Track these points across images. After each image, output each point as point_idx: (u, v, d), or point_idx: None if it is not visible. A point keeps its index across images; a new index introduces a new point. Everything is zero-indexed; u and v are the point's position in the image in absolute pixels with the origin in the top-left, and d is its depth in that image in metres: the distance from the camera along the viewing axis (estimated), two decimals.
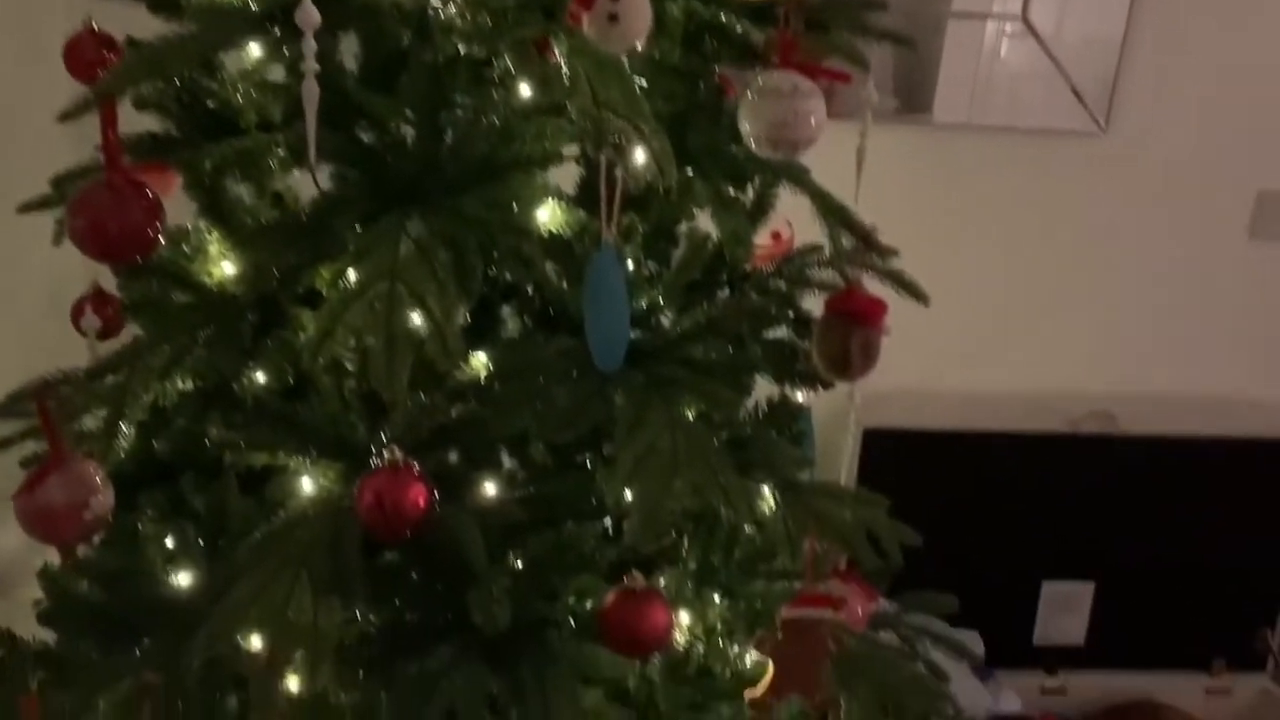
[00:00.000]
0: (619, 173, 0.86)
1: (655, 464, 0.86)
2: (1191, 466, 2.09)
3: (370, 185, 0.88)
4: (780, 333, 1.19)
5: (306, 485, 0.95)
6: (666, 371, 0.94)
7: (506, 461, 1.06)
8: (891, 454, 2.02)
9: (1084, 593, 2.16)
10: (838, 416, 2.14)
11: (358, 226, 0.86)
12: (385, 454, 0.81)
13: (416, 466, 0.81)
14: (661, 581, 1.03)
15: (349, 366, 0.89)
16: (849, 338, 1.02)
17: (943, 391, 2.14)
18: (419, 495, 0.79)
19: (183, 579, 0.93)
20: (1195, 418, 2.11)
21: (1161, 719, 2.06)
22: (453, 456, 0.98)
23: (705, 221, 1.06)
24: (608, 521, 1.03)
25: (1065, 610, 2.16)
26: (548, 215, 0.96)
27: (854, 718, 1.15)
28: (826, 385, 1.20)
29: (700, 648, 1.08)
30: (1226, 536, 2.15)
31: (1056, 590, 2.15)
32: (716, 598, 1.09)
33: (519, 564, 0.96)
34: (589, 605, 0.93)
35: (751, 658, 1.04)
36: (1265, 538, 2.17)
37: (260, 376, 0.98)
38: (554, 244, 1.01)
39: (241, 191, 1.05)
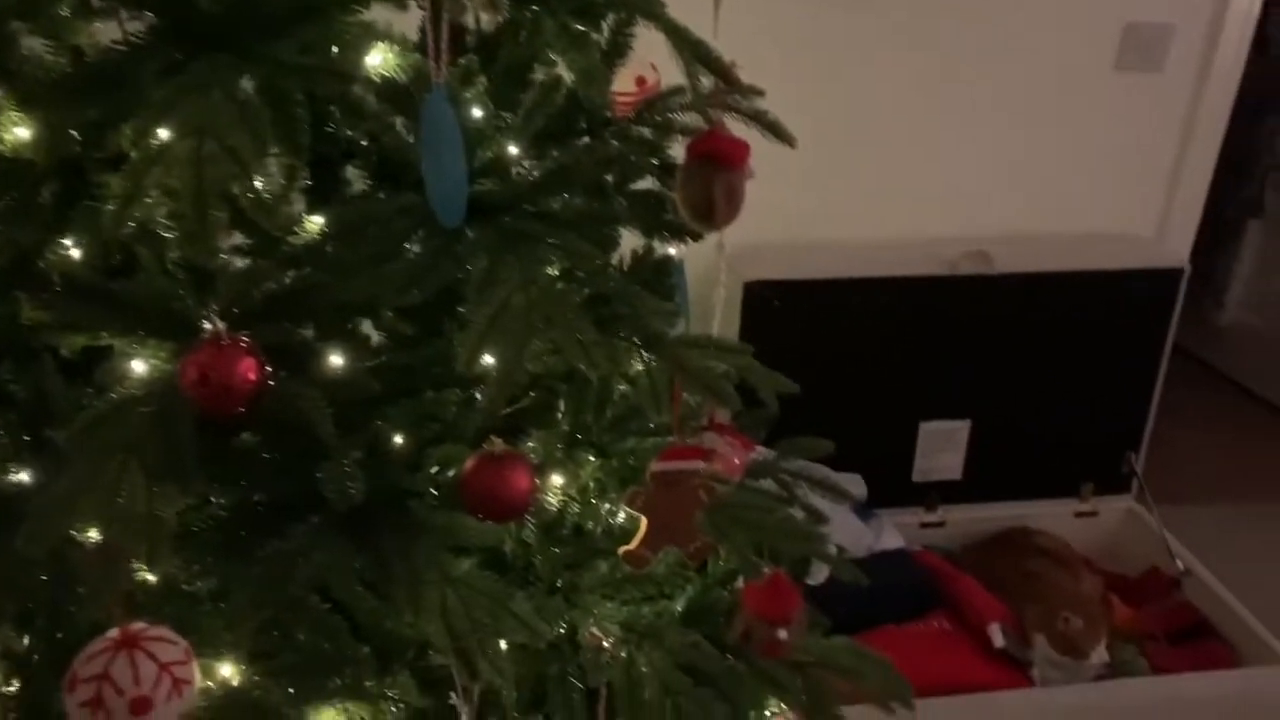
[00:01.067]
0: (450, 8, 0.79)
1: (509, 323, 0.82)
2: (1064, 301, 2.14)
3: (173, 30, 0.79)
4: (648, 184, 1.14)
5: (138, 367, 0.88)
6: (519, 225, 0.88)
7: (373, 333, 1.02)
8: (773, 305, 2.01)
9: (960, 430, 2.22)
10: (715, 269, 2.13)
11: (163, 78, 0.77)
12: (208, 326, 0.74)
13: (244, 338, 0.75)
14: (530, 444, 1.00)
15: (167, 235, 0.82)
16: (711, 183, 0.98)
17: (821, 241, 2.13)
18: (248, 369, 0.74)
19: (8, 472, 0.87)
20: (1068, 253, 2.15)
21: (1032, 542, 2.15)
22: (309, 330, 0.93)
23: None
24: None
25: (942, 448, 2.22)
26: (379, 59, 0.88)
27: (730, 564, 1.16)
28: (695, 236, 1.17)
29: (574, 508, 1.07)
30: (1094, 367, 2.23)
31: (934, 429, 2.21)
32: (590, 457, 1.07)
33: (376, 436, 0.92)
34: (453, 474, 0.90)
35: (624, 514, 1.03)
36: (1130, 365, 2.25)
37: (75, 252, 0.90)
38: (392, 92, 0.93)
39: (36, 46, 0.94)
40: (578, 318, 0.85)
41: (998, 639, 1.86)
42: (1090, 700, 1.80)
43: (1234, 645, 1.99)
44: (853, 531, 1.99)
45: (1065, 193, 2.22)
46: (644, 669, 1.03)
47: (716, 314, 1.35)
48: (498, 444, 0.84)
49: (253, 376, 0.74)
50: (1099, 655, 1.83)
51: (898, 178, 2.15)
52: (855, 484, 2.12)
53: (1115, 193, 2.25)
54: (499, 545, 1.08)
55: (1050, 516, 2.29)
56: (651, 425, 1.09)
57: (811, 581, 1.74)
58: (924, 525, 2.25)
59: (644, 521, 1.00)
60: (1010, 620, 1.92)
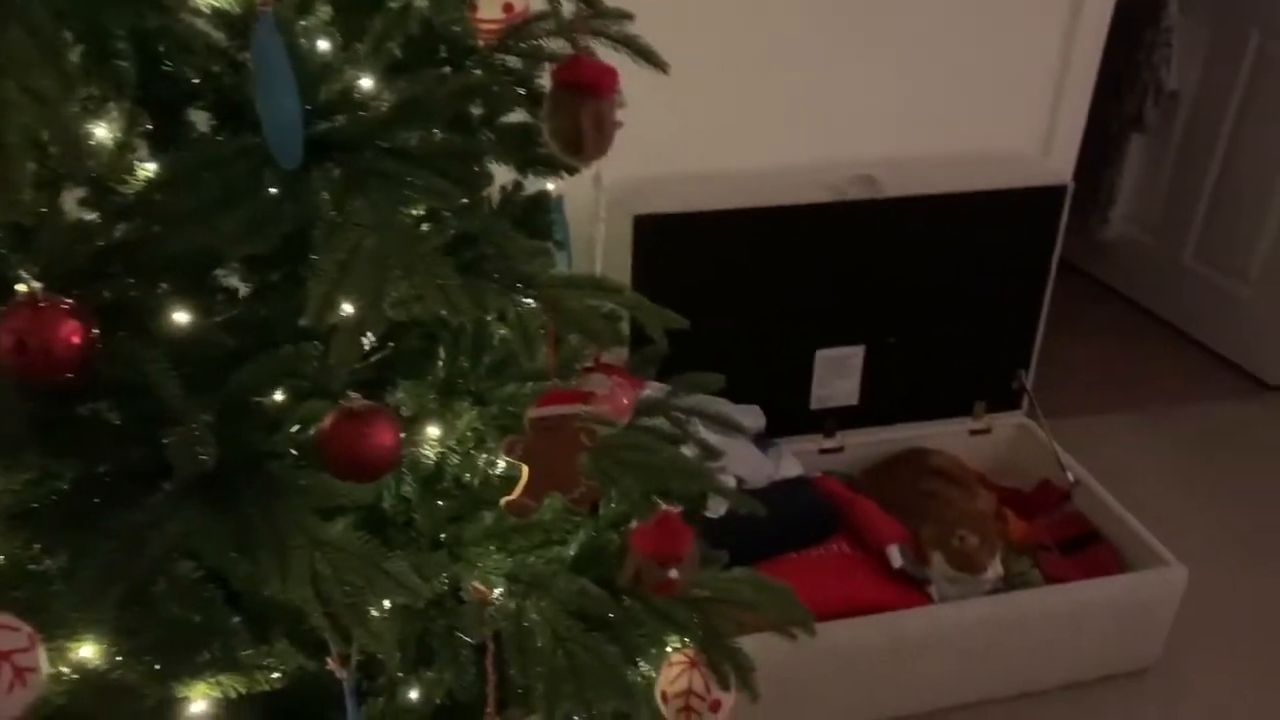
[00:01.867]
0: None
1: (361, 270, 0.77)
2: (951, 221, 2.14)
3: None
4: (520, 116, 1.09)
5: None
6: (372, 164, 0.83)
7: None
8: (664, 239, 1.98)
9: (855, 356, 2.23)
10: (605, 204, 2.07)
11: None
12: (23, 288, 0.68)
13: (66, 299, 0.69)
14: (399, 396, 0.96)
15: None
16: (579, 112, 0.93)
17: (708, 172, 2.10)
18: (71, 332, 0.68)
19: None
20: (953, 174, 2.15)
21: (927, 463, 2.19)
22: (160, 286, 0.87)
23: None
24: None
25: (838, 375, 2.23)
26: None
27: (621, 507, 1.14)
28: (571, 170, 1.12)
29: (454, 459, 1.03)
30: (982, 286, 2.25)
31: (829, 357, 2.21)
32: (468, 406, 1.03)
33: (231, 395, 0.86)
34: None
35: (504, 463, 0.99)
36: (1017, 283, 2.28)
37: None
38: (226, 24, 0.86)
39: None
40: (436, 261, 0.80)
41: (895, 560, 1.89)
42: (986, 613, 1.85)
43: (1122, 551, 2.05)
44: (753, 462, 1.99)
45: (949, 113, 2.22)
46: (533, 618, 1.00)
47: (598, 250, 1.32)
48: (356, 399, 0.79)
49: (76, 340, 0.68)
50: (994, 570, 1.87)
51: (781, 104, 2.12)
52: (754, 415, 2.12)
53: (998, 112, 2.26)
54: (378, 502, 1.04)
55: (945, 436, 2.32)
56: (529, 369, 1.05)
57: (711, 515, 1.73)
58: (823, 452, 2.27)
59: (524, 470, 0.97)
60: (908, 540, 1.95)
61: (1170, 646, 2.01)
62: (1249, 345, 3.11)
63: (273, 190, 0.79)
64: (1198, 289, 3.26)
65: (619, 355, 1.23)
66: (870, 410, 2.29)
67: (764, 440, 2.11)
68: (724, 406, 2.09)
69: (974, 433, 2.37)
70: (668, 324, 1.11)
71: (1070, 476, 2.18)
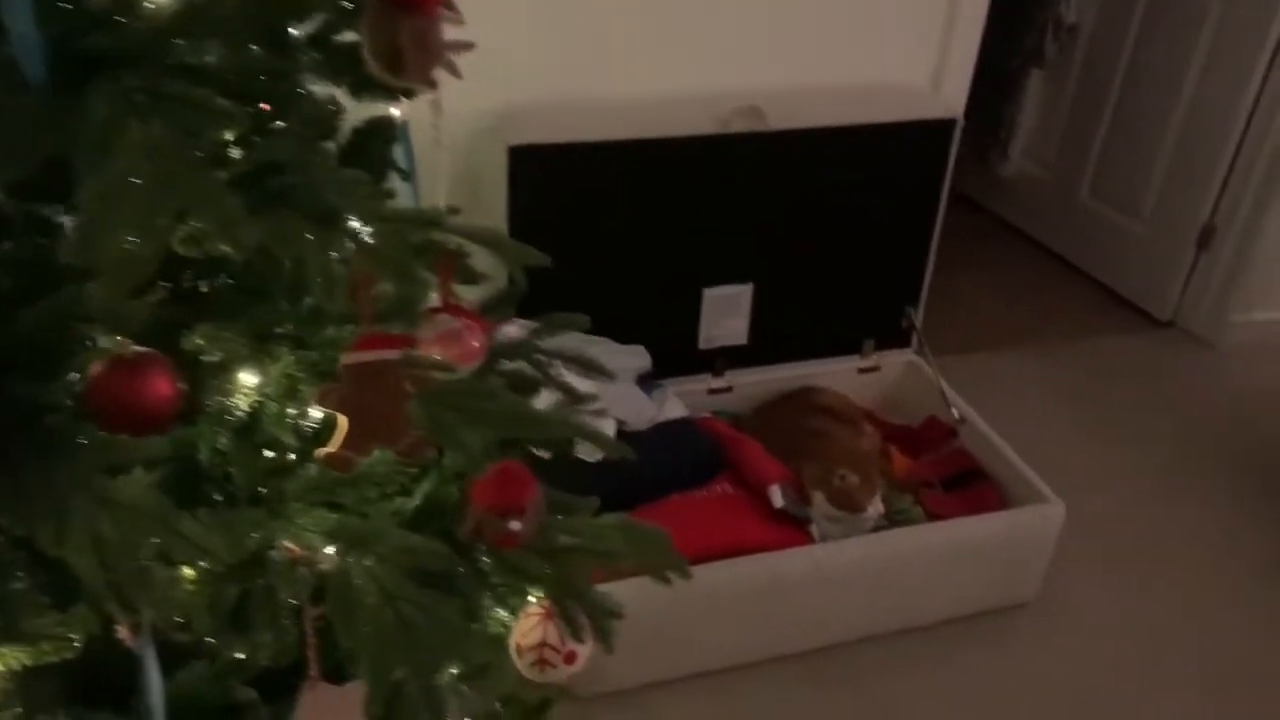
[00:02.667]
0: None
1: (128, 202, 0.68)
2: (839, 155, 2.10)
3: None
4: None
5: None
6: (149, 82, 0.74)
7: None
8: (541, 171, 1.90)
9: (743, 295, 2.19)
10: (480, 134, 1.98)
11: None
12: None
13: None
14: (198, 341, 0.88)
15: None
16: (397, 29, 0.85)
17: (587, 100, 2.01)
18: None
19: None
20: (841, 106, 2.10)
21: (812, 401, 2.17)
22: None
23: None
24: None
25: (727, 313, 2.19)
26: None
27: (461, 460, 1.07)
28: (405, 93, 1.04)
29: (271, 408, 0.95)
30: (871, 222, 2.22)
31: (717, 295, 2.17)
32: (285, 351, 0.95)
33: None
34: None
35: (320, 412, 0.92)
36: (907, 219, 2.26)
37: None
38: None
39: None
40: (219, 192, 0.72)
41: (776, 500, 1.87)
42: (866, 552, 1.84)
43: (1004, 488, 2.06)
44: (635, 405, 1.94)
45: (837, 44, 2.16)
46: (360, 576, 0.94)
47: (440, 182, 1.23)
48: (127, 345, 0.71)
49: None
50: (875, 508, 1.86)
51: (664, 32, 2.03)
52: (639, 355, 2.07)
53: (888, 43, 2.21)
54: (193, 455, 0.96)
55: (835, 374, 2.31)
56: (350, 311, 0.97)
57: (588, 459, 1.68)
58: (712, 391, 2.23)
59: (343, 420, 0.90)
60: (790, 480, 1.93)
61: (1049, 582, 2.04)
62: (1140, 281, 3.15)
63: (27, 109, 0.70)
64: (1092, 225, 3.29)
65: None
66: (760, 349, 2.25)
67: (649, 381, 2.06)
68: (608, 347, 2.04)
69: (863, 370, 2.35)
70: (527, 261, 1.04)
71: (955, 413, 2.18)
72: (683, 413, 2.03)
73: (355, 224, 0.85)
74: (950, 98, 2.27)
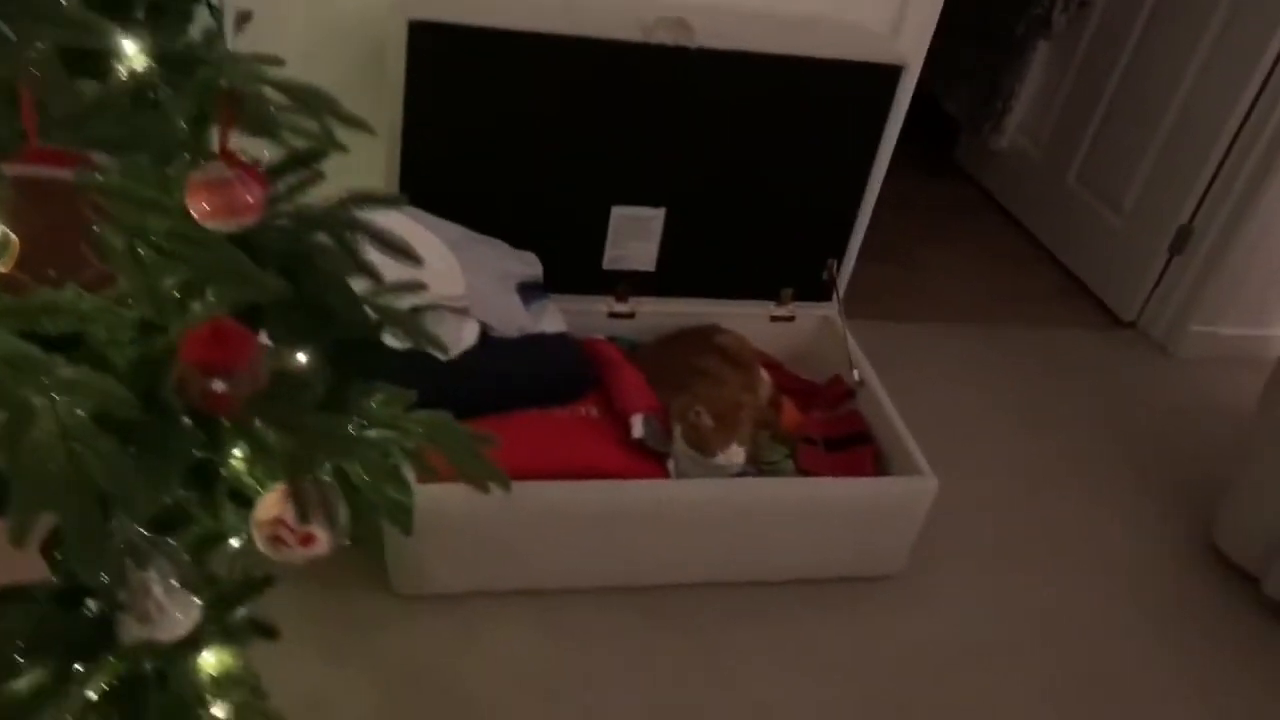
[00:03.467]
0: None
1: None
2: (770, 87, 1.99)
3: None
4: None
5: None
6: None
7: None
8: (443, 52, 1.81)
9: (654, 219, 2.10)
10: (388, 6, 1.88)
11: None
12: None
13: None
14: None
15: None
16: None
17: None
18: None
19: None
20: (780, 34, 1.99)
21: (711, 341, 2.09)
22: None
23: None
24: None
25: (635, 236, 2.11)
26: None
27: (151, 308, 1.01)
28: None
29: None
30: (802, 164, 2.12)
31: (626, 215, 2.08)
32: None
33: None
34: None
35: None
36: (842, 166, 2.15)
37: None
38: None
39: None
40: None
41: (636, 429, 1.81)
42: (715, 495, 1.78)
43: (887, 457, 1.99)
44: (507, 310, 1.87)
45: None
46: (36, 405, 0.89)
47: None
48: None
49: None
50: (728, 456, 1.78)
51: None
52: (529, 263, 2.00)
53: None
54: None
55: (746, 318, 2.22)
56: None
57: (443, 356, 1.63)
58: (613, 315, 2.16)
59: (14, 238, 0.84)
60: (659, 413, 1.86)
61: (917, 558, 1.97)
62: (1111, 277, 3.04)
63: None
64: (1074, 211, 3.17)
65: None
66: (669, 279, 2.17)
67: (535, 291, 1.99)
68: (498, 248, 1.97)
69: (775, 319, 2.27)
70: (351, 125, 0.97)
71: (856, 375, 2.10)
72: (561, 328, 1.96)
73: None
74: (906, 46, 2.15)
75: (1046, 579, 2.06)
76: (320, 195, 1.08)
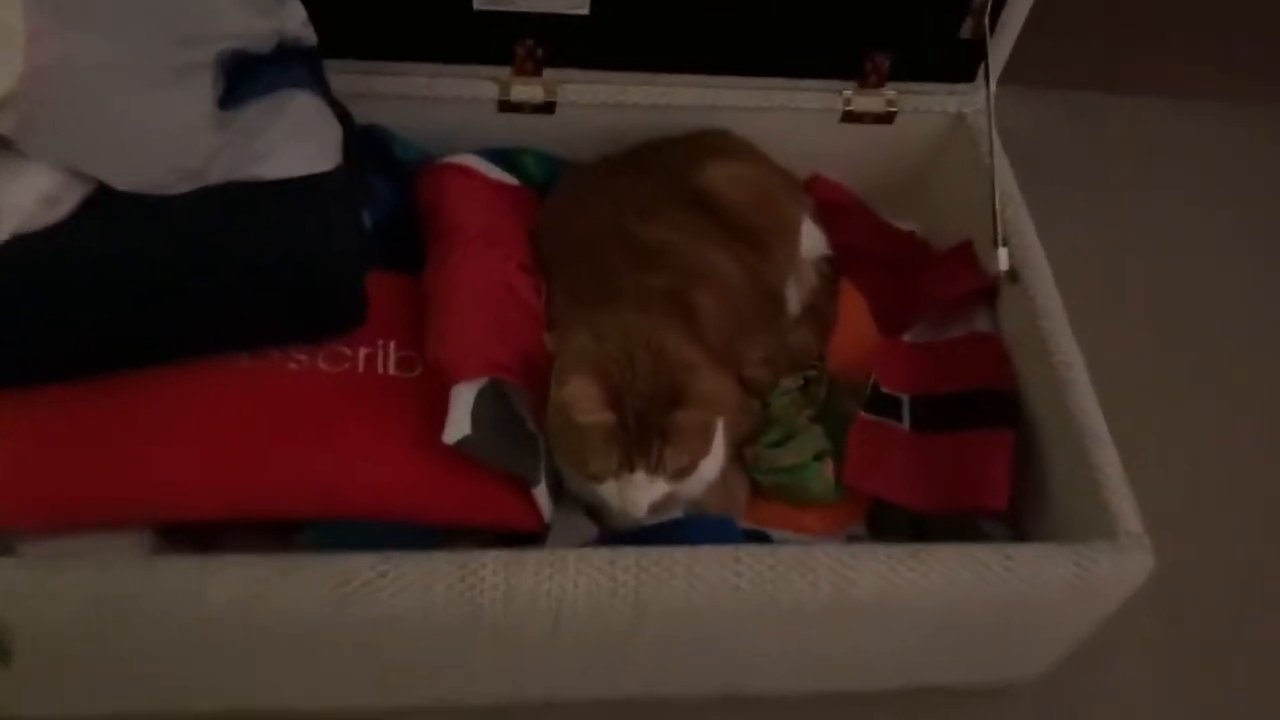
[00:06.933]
0: None
1: None
2: None
3: None
4: None
5: None
6: None
7: None
8: None
9: None
10: None
11: None
12: None
13: None
14: None
15: None
16: None
17: None
18: None
19: None
20: None
21: (703, 176, 0.98)
22: None
23: None
24: None
25: None
26: None
27: None
28: None
29: None
30: None
31: None
32: None
33: None
34: None
35: None
36: None
37: None
38: None
39: None
40: None
41: (452, 429, 0.77)
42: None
43: (1041, 448, 0.91)
44: (141, 127, 0.79)
45: None
46: None
47: None
48: None
49: None
50: (701, 472, 0.75)
51: None
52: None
53: None
54: None
55: (784, 113, 1.08)
56: None
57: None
58: (507, 107, 1.05)
59: None
60: (532, 375, 0.82)
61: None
62: None
63: None
64: None
65: None
66: (619, 35, 1.05)
67: (273, 69, 0.87)
68: None
69: (853, 115, 1.11)
70: None
71: (1003, 256, 0.99)
72: (333, 159, 0.84)
73: None
74: None
75: None
76: None
